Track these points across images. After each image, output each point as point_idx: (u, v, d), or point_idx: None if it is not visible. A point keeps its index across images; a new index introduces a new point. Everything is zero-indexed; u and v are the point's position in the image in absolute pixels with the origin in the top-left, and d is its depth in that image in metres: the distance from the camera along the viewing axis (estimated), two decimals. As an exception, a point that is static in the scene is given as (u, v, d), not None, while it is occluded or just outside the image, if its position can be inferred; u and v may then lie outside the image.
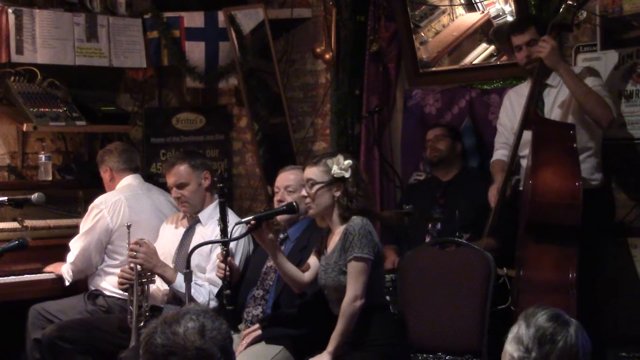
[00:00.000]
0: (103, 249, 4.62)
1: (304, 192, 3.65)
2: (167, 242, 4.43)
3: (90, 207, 4.66)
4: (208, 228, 4.30)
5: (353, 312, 3.43)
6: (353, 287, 3.43)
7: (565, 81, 3.90)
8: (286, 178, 4.05)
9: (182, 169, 4.34)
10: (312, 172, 3.60)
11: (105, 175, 4.85)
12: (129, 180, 4.79)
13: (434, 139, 4.73)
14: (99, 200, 4.65)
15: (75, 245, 4.62)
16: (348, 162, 3.56)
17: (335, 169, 3.54)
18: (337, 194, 3.55)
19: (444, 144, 4.70)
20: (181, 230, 4.42)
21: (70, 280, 4.66)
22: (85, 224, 4.64)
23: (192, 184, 4.33)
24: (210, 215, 4.33)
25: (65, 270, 4.66)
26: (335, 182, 3.55)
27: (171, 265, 4.22)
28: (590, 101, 3.86)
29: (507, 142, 4.30)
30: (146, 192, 4.79)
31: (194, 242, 4.21)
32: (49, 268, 4.81)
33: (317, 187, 3.56)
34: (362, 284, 3.43)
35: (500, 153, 4.34)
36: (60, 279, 4.72)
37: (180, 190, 4.33)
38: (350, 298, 3.43)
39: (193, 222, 4.39)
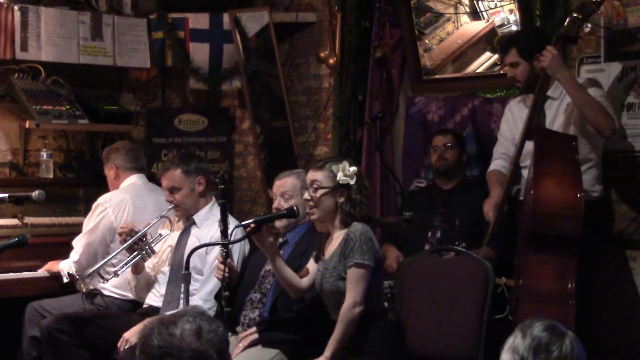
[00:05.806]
0: (108, 247, 4.62)
1: (306, 195, 3.61)
2: (163, 243, 4.44)
3: (94, 205, 4.66)
4: (203, 230, 4.32)
5: (352, 318, 3.42)
6: (353, 294, 3.42)
7: (566, 88, 3.89)
8: (281, 185, 4.00)
9: (176, 173, 4.35)
10: (317, 175, 3.57)
11: (110, 173, 4.84)
12: (133, 180, 4.79)
13: (443, 147, 4.64)
14: (103, 198, 4.66)
15: (79, 244, 4.61)
16: (354, 169, 3.54)
17: (340, 176, 3.51)
18: (341, 200, 3.54)
19: (452, 154, 4.63)
20: (176, 232, 4.42)
21: (69, 278, 4.63)
22: (89, 222, 4.64)
23: (184, 189, 4.33)
24: (205, 217, 4.35)
25: (65, 266, 4.64)
26: (339, 188, 3.53)
27: (167, 267, 4.27)
28: (592, 110, 3.84)
29: (507, 152, 4.28)
30: (150, 193, 4.79)
31: (189, 243, 4.23)
32: (44, 268, 4.79)
33: (321, 191, 3.54)
34: (362, 290, 3.42)
35: (498, 163, 4.31)
36: (58, 277, 4.71)
37: (172, 194, 4.35)
38: (349, 304, 3.42)
39: (188, 224, 4.39)
